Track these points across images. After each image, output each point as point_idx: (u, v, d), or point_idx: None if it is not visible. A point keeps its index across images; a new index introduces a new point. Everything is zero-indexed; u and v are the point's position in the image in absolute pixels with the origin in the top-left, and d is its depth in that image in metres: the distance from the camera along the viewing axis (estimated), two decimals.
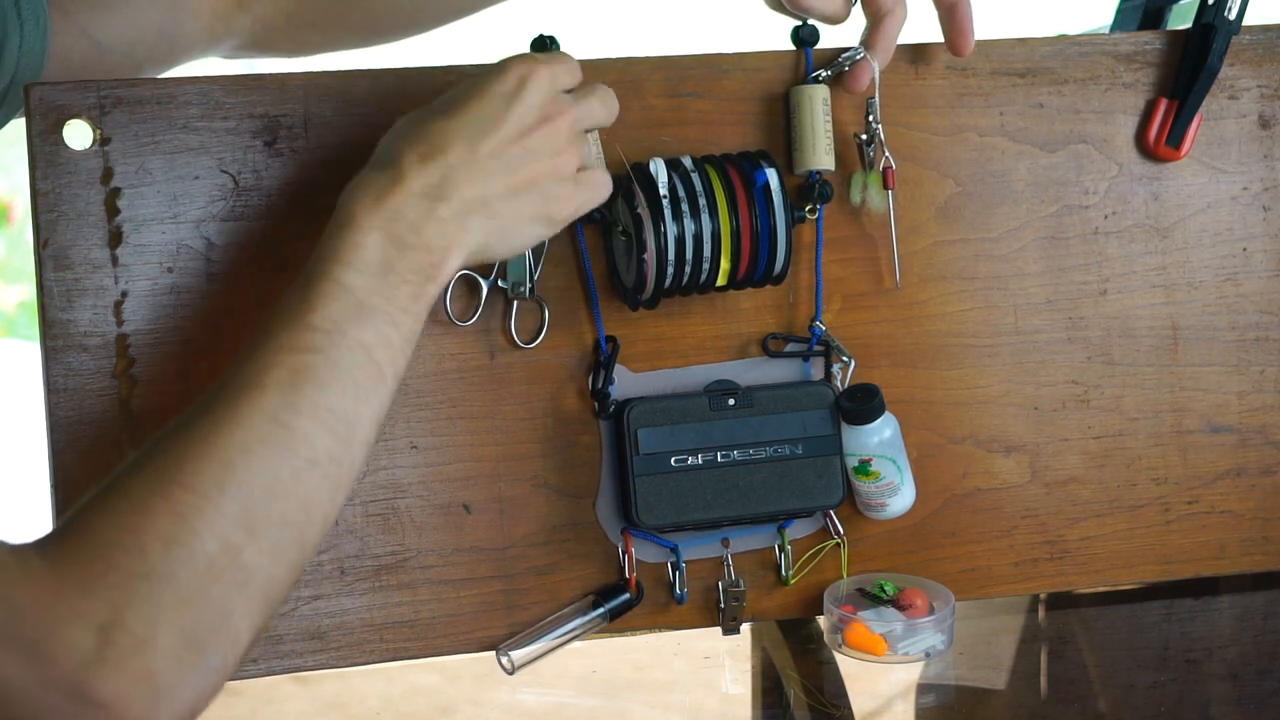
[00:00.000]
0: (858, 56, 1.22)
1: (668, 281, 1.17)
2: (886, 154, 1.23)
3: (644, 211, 1.16)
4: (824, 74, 1.23)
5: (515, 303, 1.20)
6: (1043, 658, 1.38)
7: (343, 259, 1.01)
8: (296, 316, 0.99)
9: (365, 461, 1.01)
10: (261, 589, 0.94)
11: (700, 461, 1.21)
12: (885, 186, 1.23)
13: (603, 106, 1.11)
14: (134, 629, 0.89)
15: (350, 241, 1.01)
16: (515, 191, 1.05)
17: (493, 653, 1.21)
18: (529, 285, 1.19)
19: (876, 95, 1.22)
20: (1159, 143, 1.29)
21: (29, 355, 4.09)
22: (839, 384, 1.25)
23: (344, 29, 1.44)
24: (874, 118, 1.23)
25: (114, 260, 1.14)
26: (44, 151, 1.12)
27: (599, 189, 1.11)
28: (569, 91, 1.09)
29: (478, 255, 1.05)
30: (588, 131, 1.11)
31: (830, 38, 1.25)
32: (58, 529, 0.93)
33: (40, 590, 0.89)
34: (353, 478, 1.00)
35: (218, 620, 0.92)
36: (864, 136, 1.23)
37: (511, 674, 1.20)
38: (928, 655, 1.23)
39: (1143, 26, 1.36)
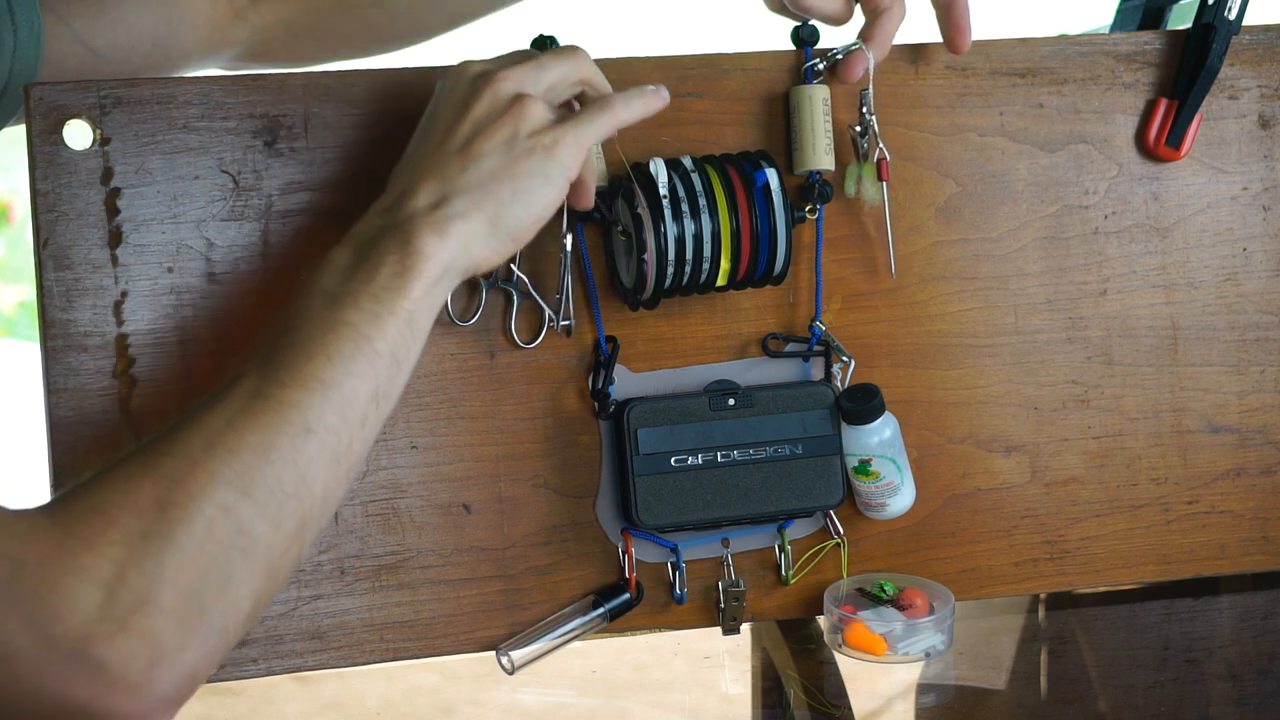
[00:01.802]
0: (853, 48, 1.22)
1: (668, 281, 1.17)
2: (881, 145, 1.23)
3: (644, 211, 1.16)
4: (820, 64, 1.23)
5: (517, 303, 1.20)
6: (1043, 658, 1.38)
7: (314, 274, 1.02)
8: (273, 326, 1.01)
9: (367, 445, 1.00)
10: (264, 557, 0.94)
11: (700, 461, 1.21)
12: (880, 178, 1.23)
13: (557, 59, 1.09)
14: (136, 586, 0.89)
15: (321, 261, 1.03)
16: (480, 161, 1.04)
17: (493, 653, 1.21)
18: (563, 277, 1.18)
19: (870, 86, 1.22)
20: (1159, 143, 1.29)
21: (29, 355, 4.09)
22: (839, 384, 1.25)
23: (343, 38, 1.44)
24: (867, 109, 1.23)
25: (114, 260, 1.14)
26: (44, 151, 1.12)
27: (600, 113, 1.08)
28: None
29: (494, 230, 1.04)
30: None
31: (830, 39, 1.25)
32: (59, 495, 0.94)
33: (45, 545, 0.89)
34: (355, 455, 0.99)
35: (220, 584, 0.92)
36: (858, 128, 1.23)
37: (511, 674, 1.20)
38: (928, 655, 1.23)
39: (1143, 26, 1.36)
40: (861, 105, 1.23)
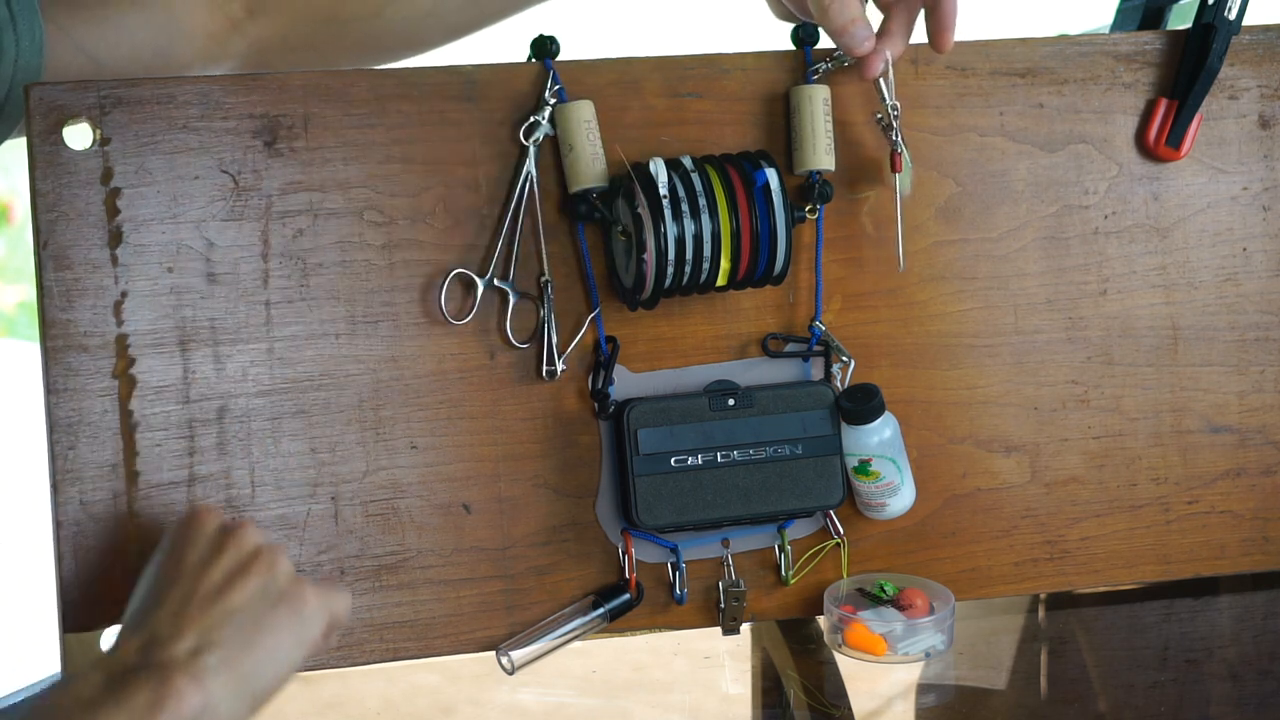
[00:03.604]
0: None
1: (668, 281, 1.17)
2: (899, 138, 1.22)
3: (644, 211, 1.16)
4: (825, 66, 1.23)
5: (513, 302, 1.20)
6: (1043, 658, 1.38)
7: (56, 696, 0.97)
8: None
9: None
10: None
11: (700, 462, 1.21)
12: (893, 170, 1.22)
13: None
14: None
15: (65, 683, 0.98)
16: (236, 614, 1.01)
17: (493, 653, 1.21)
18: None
19: (890, 75, 1.20)
20: (1159, 143, 1.29)
21: (29, 355, 4.09)
22: (839, 384, 1.25)
23: (341, 51, 1.43)
24: (892, 104, 1.21)
25: (114, 260, 1.14)
26: (44, 151, 1.12)
27: (332, 597, 1.05)
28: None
29: (239, 693, 1.00)
30: None
31: (830, 39, 1.24)
32: None
33: None
34: None
35: None
36: (879, 116, 1.22)
37: (511, 674, 1.20)
38: (928, 655, 1.23)
39: (1143, 26, 1.36)
40: (883, 99, 1.21)
